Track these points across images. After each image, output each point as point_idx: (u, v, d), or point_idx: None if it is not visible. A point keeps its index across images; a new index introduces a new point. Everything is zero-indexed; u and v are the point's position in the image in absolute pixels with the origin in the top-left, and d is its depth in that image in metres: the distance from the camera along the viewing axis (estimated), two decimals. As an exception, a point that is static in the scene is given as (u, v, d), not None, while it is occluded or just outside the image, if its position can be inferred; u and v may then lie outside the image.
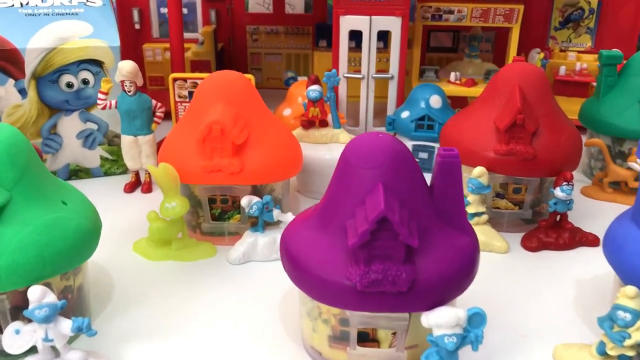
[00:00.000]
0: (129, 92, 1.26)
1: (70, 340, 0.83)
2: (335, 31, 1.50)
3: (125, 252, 1.11)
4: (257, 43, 2.11)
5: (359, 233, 0.70)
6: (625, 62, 1.38)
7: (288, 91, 1.61)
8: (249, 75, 1.25)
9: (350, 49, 1.52)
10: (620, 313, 0.75)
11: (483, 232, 1.10)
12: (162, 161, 1.07)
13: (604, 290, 0.98)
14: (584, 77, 1.76)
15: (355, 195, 0.75)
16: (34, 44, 1.29)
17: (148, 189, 1.37)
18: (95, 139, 1.40)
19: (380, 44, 1.61)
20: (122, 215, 1.23)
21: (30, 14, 1.34)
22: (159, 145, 1.31)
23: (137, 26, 1.88)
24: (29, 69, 1.30)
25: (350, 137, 1.34)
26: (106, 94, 1.28)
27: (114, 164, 1.44)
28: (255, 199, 1.05)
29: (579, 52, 1.84)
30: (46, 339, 0.76)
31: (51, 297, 0.76)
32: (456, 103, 1.57)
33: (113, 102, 1.28)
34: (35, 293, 0.74)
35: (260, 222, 1.08)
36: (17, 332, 0.76)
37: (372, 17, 1.47)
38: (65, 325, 0.77)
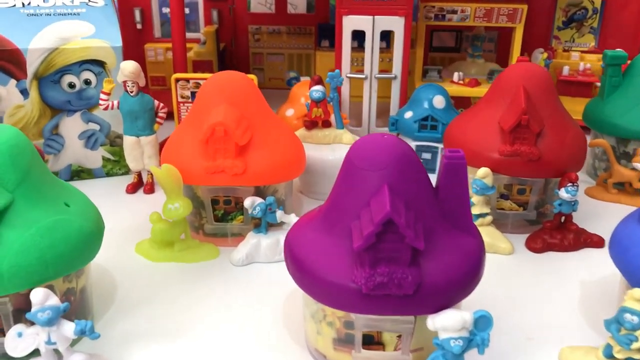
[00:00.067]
0: (131, 92, 1.25)
1: (73, 343, 0.82)
2: (338, 31, 1.49)
3: (127, 254, 1.11)
4: (259, 43, 2.10)
5: (364, 235, 0.69)
6: (629, 62, 1.37)
7: (291, 91, 1.60)
8: (252, 76, 1.24)
9: (352, 49, 1.52)
10: (628, 316, 0.74)
11: (487, 233, 1.10)
12: (165, 162, 1.07)
13: (610, 292, 0.97)
14: (587, 77, 1.75)
15: (360, 197, 0.74)
16: (36, 44, 1.28)
17: (150, 189, 1.36)
18: (97, 140, 1.39)
19: (383, 44, 1.61)
20: (125, 217, 1.23)
21: (32, 14, 1.33)
22: (161, 145, 1.30)
23: (138, 26, 1.87)
24: (30, 69, 1.29)
25: (353, 137, 1.33)
26: (108, 94, 1.28)
27: (116, 165, 1.43)
28: (259, 200, 1.05)
29: (582, 52, 1.83)
30: (49, 342, 0.76)
31: (54, 300, 0.75)
32: (459, 103, 1.57)
33: (115, 102, 1.28)
34: (38, 296, 0.74)
35: (263, 224, 1.08)
36: (20, 335, 0.76)
37: (375, 17, 1.46)
38: (68, 328, 0.76)
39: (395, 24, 1.46)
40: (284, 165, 1.09)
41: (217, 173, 1.05)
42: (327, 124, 1.33)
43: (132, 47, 1.79)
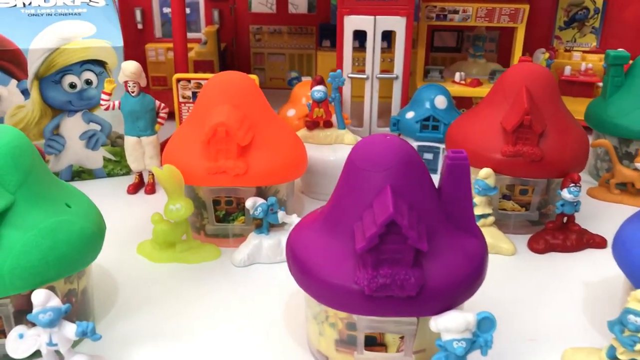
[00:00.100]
0: (133, 92, 1.25)
1: (74, 344, 0.82)
2: (340, 31, 1.49)
3: (129, 254, 1.10)
4: (260, 43, 2.10)
5: (367, 237, 0.69)
6: (632, 62, 1.37)
7: (292, 92, 1.60)
8: (253, 76, 1.24)
9: (353, 49, 1.51)
10: (631, 317, 0.74)
11: (489, 234, 1.09)
12: (167, 163, 1.06)
13: (613, 293, 0.97)
14: (589, 77, 1.75)
15: (362, 198, 0.74)
16: (37, 45, 1.28)
17: (151, 190, 1.36)
18: (98, 140, 1.39)
19: (384, 43, 1.60)
20: (126, 217, 1.23)
21: (33, 14, 1.33)
22: (162, 146, 1.30)
23: (139, 26, 1.87)
24: (31, 69, 1.29)
25: (355, 137, 1.33)
26: (109, 94, 1.27)
27: (117, 165, 1.43)
28: (260, 200, 1.04)
29: (584, 52, 1.83)
30: (50, 344, 0.76)
31: (55, 301, 0.75)
32: (461, 103, 1.57)
33: (116, 102, 1.27)
34: (39, 297, 0.74)
35: (265, 224, 1.08)
36: (21, 336, 0.76)
37: (377, 17, 1.46)
38: (70, 330, 0.76)
39: (397, 24, 1.46)
40: (285, 165, 1.09)
41: (218, 174, 1.04)
42: (328, 124, 1.33)
43: (133, 47, 1.79)
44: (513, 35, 1.62)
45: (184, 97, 1.41)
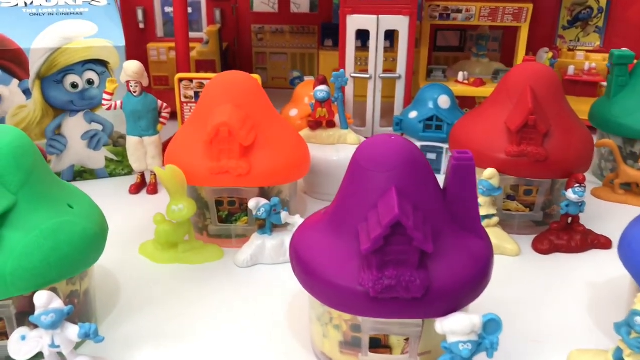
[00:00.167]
0: (135, 92, 1.25)
1: (77, 346, 0.81)
2: (342, 31, 1.48)
3: (131, 255, 1.10)
4: (262, 42, 2.10)
5: (372, 238, 0.68)
6: (636, 61, 1.36)
7: (294, 91, 1.60)
8: (256, 76, 1.23)
9: (356, 49, 1.51)
10: (638, 319, 0.73)
11: (494, 235, 1.08)
12: (169, 163, 1.06)
13: (619, 294, 0.96)
14: (592, 77, 1.74)
15: (367, 199, 0.73)
16: (39, 44, 1.28)
17: (153, 190, 1.35)
18: (100, 140, 1.38)
19: (387, 43, 1.60)
20: (128, 217, 1.22)
21: (35, 14, 1.33)
22: (164, 146, 1.30)
23: (141, 25, 1.87)
24: (33, 69, 1.29)
25: (358, 137, 1.33)
26: (111, 94, 1.27)
27: (119, 165, 1.42)
28: (263, 201, 1.04)
29: (587, 51, 1.83)
30: (52, 345, 0.75)
31: (58, 303, 0.74)
32: (464, 103, 1.56)
33: (118, 102, 1.27)
34: (42, 299, 0.73)
35: (268, 225, 1.07)
36: (23, 338, 0.75)
37: (380, 16, 1.45)
38: (72, 331, 0.76)
39: (400, 23, 1.45)
40: (288, 166, 1.08)
41: (221, 174, 1.04)
42: (331, 124, 1.32)
43: (135, 47, 1.79)
44: (516, 34, 1.61)
45: (186, 97, 1.40)
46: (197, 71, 1.84)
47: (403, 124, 1.44)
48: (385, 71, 1.52)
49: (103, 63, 1.32)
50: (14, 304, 0.78)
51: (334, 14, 2.02)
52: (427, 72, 1.65)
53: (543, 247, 1.11)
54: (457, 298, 0.72)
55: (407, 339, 0.77)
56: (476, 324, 0.70)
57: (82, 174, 1.41)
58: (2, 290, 0.74)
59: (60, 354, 0.77)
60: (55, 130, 1.35)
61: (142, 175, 1.37)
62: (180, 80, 1.39)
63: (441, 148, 1.41)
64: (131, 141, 1.29)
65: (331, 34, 1.98)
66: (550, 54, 1.73)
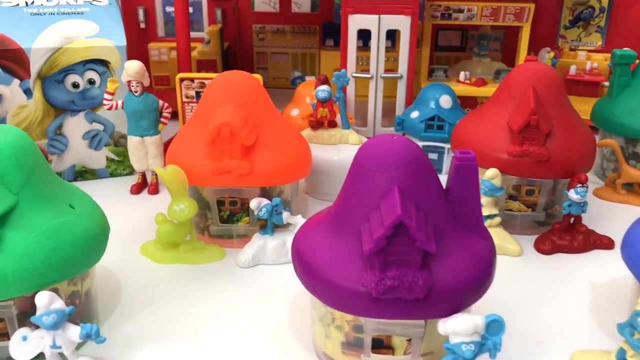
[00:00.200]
0: (136, 92, 1.24)
1: (78, 346, 0.81)
2: (344, 30, 1.48)
3: (132, 255, 1.10)
4: (263, 42, 2.09)
5: (374, 239, 0.68)
6: (638, 61, 1.36)
7: (296, 91, 1.59)
8: (257, 75, 1.23)
9: (357, 48, 1.50)
10: (642, 320, 0.73)
11: (496, 235, 1.08)
12: (170, 163, 1.06)
13: (622, 294, 0.96)
14: (594, 77, 1.74)
15: (369, 199, 0.73)
16: (40, 44, 1.27)
17: (155, 190, 1.35)
18: (101, 140, 1.38)
19: (388, 43, 1.60)
20: (129, 217, 1.22)
21: (36, 14, 1.32)
22: (165, 145, 1.29)
23: (142, 25, 1.86)
24: (34, 69, 1.28)
25: (359, 137, 1.32)
26: (112, 94, 1.27)
27: (120, 165, 1.42)
28: (265, 201, 1.04)
29: (589, 51, 1.82)
30: (54, 346, 0.75)
31: (59, 303, 0.74)
32: (465, 103, 1.56)
33: (119, 102, 1.27)
34: (43, 299, 0.73)
35: (269, 225, 1.07)
36: (25, 338, 0.75)
37: (381, 16, 1.45)
38: (74, 332, 0.75)
39: (402, 23, 1.45)
40: (290, 166, 1.08)
41: (222, 174, 1.03)
42: (332, 124, 1.32)
43: (136, 47, 1.79)
44: (517, 34, 1.61)
45: (187, 97, 1.40)
46: (198, 71, 1.84)
47: (404, 124, 1.44)
48: (386, 71, 1.51)
49: (104, 63, 1.32)
50: (15, 305, 0.77)
51: (335, 13, 2.02)
52: (428, 71, 1.65)
53: (545, 247, 1.11)
54: (459, 299, 0.72)
55: (409, 340, 0.77)
56: (479, 325, 0.70)
57: (83, 174, 1.40)
58: (3, 291, 0.74)
59: (61, 354, 0.77)
60: (56, 130, 1.35)
61: (143, 175, 1.37)
62: (182, 80, 1.39)
63: (443, 148, 1.41)
64: (132, 141, 1.29)
65: (332, 33, 1.98)
66: (552, 54, 1.72)
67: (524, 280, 1.03)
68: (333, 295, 0.74)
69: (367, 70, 1.52)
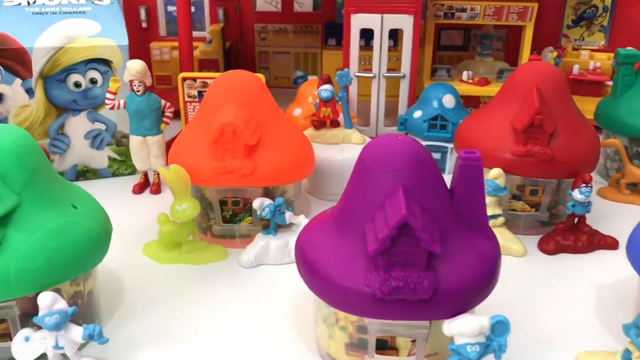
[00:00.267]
0: (138, 92, 1.24)
1: (80, 347, 0.81)
2: (346, 30, 1.48)
3: (134, 255, 1.09)
4: (265, 42, 2.09)
5: (379, 239, 0.67)
6: (643, 61, 1.35)
7: (298, 91, 1.59)
8: (260, 75, 1.23)
9: (360, 48, 1.50)
10: (647, 321, 0.73)
11: (500, 235, 1.07)
12: (173, 162, 1.05)
13: (626, 295, 0.96)
14: (597, 76, 1.73)
15: (373, 200, 0.73)
16: (42, 43, 1.27)
17: (157, 190, 1.35)
18: (103, 140, 1.38)
19: (391, 42, 1.59)
20: (131, 217, 1.21)
21: (38, 13, 1.32)
22: (168, 145, 1.29)
23: (144, 24, 1.86)
24: (36, 68, 1.28)
25: (362, 137, 1.32)
26: (114, 93, 1.26)
27: (122, 165, 1.42)
28: (268, 201, 1.03)
29: (592, 50, 1.82)
30: (56, 347, 0.75)
31: (61, 304, 0.74)
32: (468, 102, 1.55)
33: (121, 102, 1.26)
34: (46, 300, 0.73)
35: (272, 225, 1.06)
36: (27, 339, 0.75)
37: (384, 15, 1.44)
38: (76, 333, 0.75)
39: (404, 22, 1.45)
40: (293, 165, 1.08)
41: (225, 174, 1.03)
42: (335, 124, 1.31)
43: (137, 46, 1.78)
44: (520, 33, 1.61)
45: (189, 96, 1.39)
46: (200, 70, 1.83)
47: (407, 124, 1.43)
48: (389, 70, 1.51)
49: (106, 62, 1.32)
50: (18, 305, 0.77)
51: (338, 12, 2.02)
52: (431, 71, 1.64)
53: (549, 247, 1.10)
54: (464, 299, 0.72)
55: (413, 341, 0.76)
56: (484, 326, 0.70)
57: (85, 173, 1.40)
58: (5, 291, 0.73)
59: (64, 355, 0.77)
60: (58, 130, 1.34)
61: (146, 174, 1.37)
62: (184, 79, 1.39)
63: (446, 147, 1.40)
64: (134, 141, 1.28)
65: (334, 33, 1.98)
66: (555, 53, 1.72)
67: (527, 280, 1.03)
68: (337, 296, 0.73)
69: (369, 70, 1.51)
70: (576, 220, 1.12)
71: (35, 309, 0.74)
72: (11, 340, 0.76)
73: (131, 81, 1.23)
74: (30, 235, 0.74)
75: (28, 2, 1.33)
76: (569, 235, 1.11)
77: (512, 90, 1.13)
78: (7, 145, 0.75)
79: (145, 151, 1.29)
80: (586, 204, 1.09)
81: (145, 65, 1.23)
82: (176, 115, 1.36)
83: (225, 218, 1.11)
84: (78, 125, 1.35)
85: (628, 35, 1.79)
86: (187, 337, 0.88)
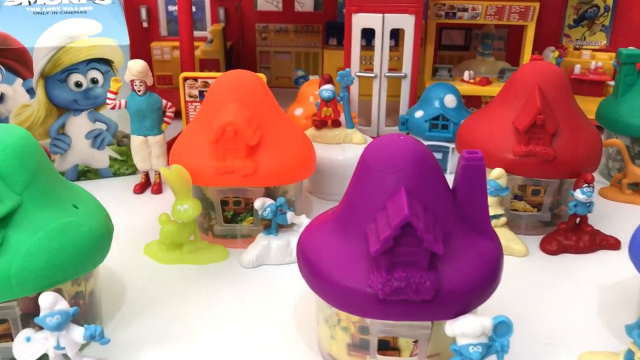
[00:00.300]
0: (139, 91, 1.24)
1: (82, 347, 0.81)
2: (347, 29, 1.47)
3: (136, 255, 1.09)
4: (266, 41, 2.09)
5: (381, 239, 0.67)
6: (644, 60, 1.35)
7: (299, 91, 1.59)
8: (261, 75, 1.23)
9: (361, 47, 1.50)
10: (650, 321, 0.73)
11: (501, 235, 1.06)
12: (174, 162, 1.05)
13: (629, 295, 0.95)
14: (598, 76, 1.73)
15: (375, 200, 0.73)
16: (43, 43, 1.27)
17: (158, 190, 1.35)
18: (104, 139, 1.38)
19: (392, 42, 1.59)
20: (132, 217, 1.21)
21: (39, 13, 1.32)
22: (169, 145, 1.29)
23: (144, 24, 1.86)
24: (37, 68, 1.28)
25: (363, 137, 1.32)
26: (115, 93, 1.26)
27: (123, 165, 1.42)
28: (269, 201, 1.03)
29: (593, 50, 1.82)
30: (58, 347, 0.75)
31: (63, 304, 0.74)
32: (469, 102, 1.55)
33: (122, 101, 1.26)
34: (47, 300, 0.72)
35: (273, 225, 1.06)
36: (28, 339, 0.75)
37: (385, 14, 1.44)
38: (78, 333, 0.75)
39: (406, 21, 1.44)
40: (294, 165, 1.07)
41: (227, 174, 1.03)
42: (336, 124, 1.31)
43: (138, 46, 1.78)
44: (521, 33, 1.60)
45: (190, 96, 1.39)
46: (201, 70, 1.83)
47: (409, 124, 1.43)
48: (390, 70, 1.51)
49: (107, 62, 1.32)
50: (19, 305, 0.77)
51: (339, 12, 2.02)
52: (432, 71, 1.64)
53: (551, 247, 1.10)
54: (467, 300, 0.72)
55: (415, 341, 0.76)
56: (487, 326, 0.70)
57: (86, 173, 1.40)
58: (6, 292, 0.73)
59: (65, 355, 0.77)
60: (59, 130, 1.34)
61: (147, 174, 1.37)
62: (185, 79, 1.38)
63: (447, 147, 1.40)
64: (135, 140, 1.28)
65: (336, 32, 1.98)
66: (556, 53, 1.72)
67: (529, 281, 1.03)
68: (339, 296, 0.73)
69: (370, 70, 1.51)
70: (578, 220, 1.11)
71: (36, 310, 0.74)
72: (12, 340, 0.76)
73: (132, 81, 1.23)
74: (31, 235, 0.74)
75: (29, 2, 1.33)
76: (571, 235, 1.11)
77: (514, 90, 1.12)
78: (8, 145, 0.75)
79: (146, 151, 1.29)
80: (588, 204, 1.09)
81: (147, 65, 1.23)
82: (177, 115, 1.35)
83: (227, 218, 1.11)
84: (79, 125, 1.35)
85: (630, 35, 1.79)
86: (188, 338, 0.88)
